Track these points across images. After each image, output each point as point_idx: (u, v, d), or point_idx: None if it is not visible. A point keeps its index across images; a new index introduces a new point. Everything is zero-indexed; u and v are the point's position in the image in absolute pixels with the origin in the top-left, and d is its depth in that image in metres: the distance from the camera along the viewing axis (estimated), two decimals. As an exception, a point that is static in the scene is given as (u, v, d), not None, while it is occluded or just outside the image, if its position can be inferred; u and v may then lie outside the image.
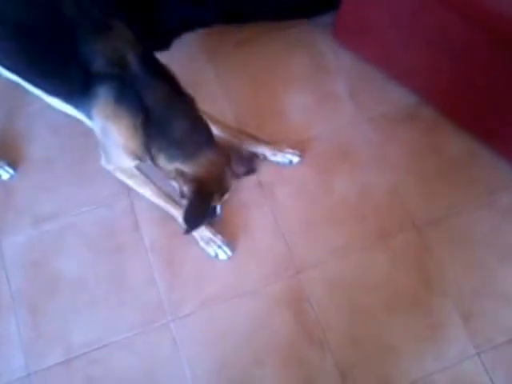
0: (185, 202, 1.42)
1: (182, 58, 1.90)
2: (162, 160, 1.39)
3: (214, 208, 1.55)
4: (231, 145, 1.49)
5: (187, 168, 1.39)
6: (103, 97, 1.31)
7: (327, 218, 1.70)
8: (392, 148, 1.79)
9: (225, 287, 1.62)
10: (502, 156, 1.77)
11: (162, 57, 1.85)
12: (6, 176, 1.72)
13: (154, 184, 1.61)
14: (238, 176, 1.52)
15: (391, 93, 1.86)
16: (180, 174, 1.39)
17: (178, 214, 1.61)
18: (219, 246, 1.62)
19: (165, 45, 1.90)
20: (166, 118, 1.34)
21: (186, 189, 1.40)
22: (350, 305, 1.61)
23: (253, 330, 1.58)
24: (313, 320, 1.59)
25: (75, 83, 1.34)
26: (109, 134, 1.39)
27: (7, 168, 1.72)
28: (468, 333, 1.58)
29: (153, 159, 1.41)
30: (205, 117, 1.46)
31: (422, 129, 1.82)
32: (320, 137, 1.81)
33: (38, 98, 1.76)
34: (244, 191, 1.71)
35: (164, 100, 1.34)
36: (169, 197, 1.61)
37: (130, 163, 1.49)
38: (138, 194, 1.68)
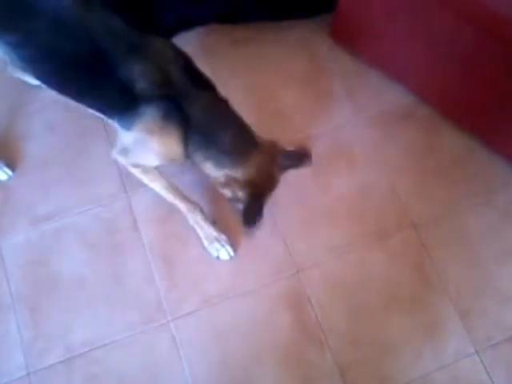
0: (240, 205, 1.44)
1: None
2: (209, 167, 1.42)
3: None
4: (274, 141, 1.50)
5: (238, 173, 1.41)
6: (150, 115, 1.34)
7: (326, 218, 1.71)
8: (390, 147, 1.80)
9: (224, 287, 1.62)
10: (500, 154, 1.77)
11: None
12: (4, 177, 1.72)
13: (166, 179, 1.59)
14: (285, 169, 1.52)
15: (389, 92, 1.86)
16: (233, 181, 1.41)
17: (185, 209, 1.60)
18: (223, 246, 1.63)
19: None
20: (210, 126, 1.38)
21: (241, 194, 1.42)
22: (349, 304, 1.61)
23: (252, 330, 1.58)
24: (312, 319, 1.59)
25: (115, 103, 1.38)
26: (148, 144, 1.41)
27: (5, 169, 1.72)
28: (467, 331, 1.58)
29: (197, 165, 1.44)
30: None
31: (419, 128, 1.83)
32: (318, 136, 1.81)
33: (35, 97, 1.76)
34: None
35: (207, 109, 1.37)
36: (179, 192, 1.60)
37: (155, 164, 1.50)
38: (136, 193, 1.69)
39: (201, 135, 1.37)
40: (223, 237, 1.63)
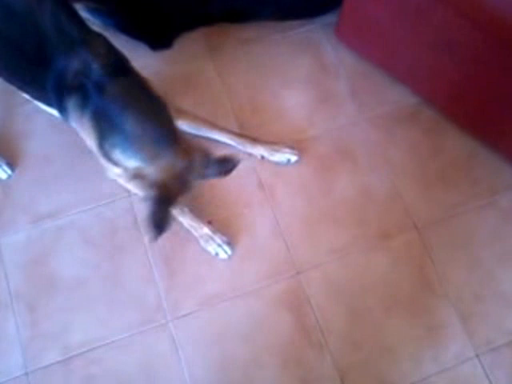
0: (145, 205, 1.33)
1: (183, 57, 1.89)
2: (117, 156, 1.34)
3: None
4: (201, 145, 1.40)
5: (148, 170, 1.31)
6: (71, 107, 1.34)
7: (327, 219, 1.70)
8: (393, 148, 1.78)
9: (224, 287, 1.61)
10: (503, 157, 1.76)
11: (163, 56, 1.88)
12: (3, 175, 1.71)
13: None
14: (205, 177, 1.41)
15: (393, 93, 1.85)
16: (140, 177, 1.33)
17: (176, 214, 1.59)
18: (219, 245, 1.62)
19: (165, 44, 1.89)
20: (121, 112, 1.30)
21: (146, 194, 1.33)
22: (349, 306, 1.60)
23: (252, 331, 1.57)
24: (312, 321, 1.58)
25: (53, 95, 1.37)
26: (82, 138, 1.40)
27: (5, 167, 1.71)
28: (467, 335, 1.58)
29: (108, 157, 1.36)
30: (198, 121, 1.43)
31: (423, 129, 1.81)
32: (321, 136, 1.80)
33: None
34: (244, 191, 1.70)
35: (122, 96, 1.31)
36: None
37: (114, 170, 1.44)
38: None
39: (108, 122, 1.31)
40: (218, 235, 1.62)
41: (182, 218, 1.61)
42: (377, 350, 1.56)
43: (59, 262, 1.63)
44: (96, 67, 1.30)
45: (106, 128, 1.33)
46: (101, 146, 1.35)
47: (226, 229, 1.65)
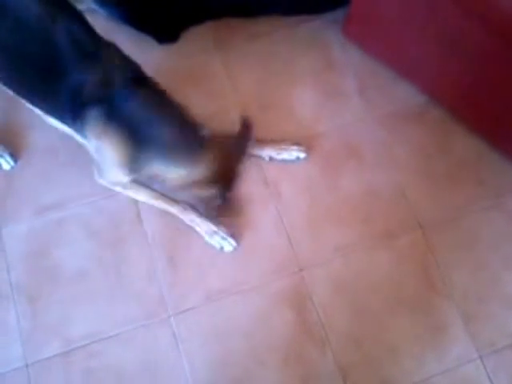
0: (209, 203, 1.44)
1: (189, 50, 1.87)
2: (158, 168, 1.38)
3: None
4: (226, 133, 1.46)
5: (194, 174, 1.37)
6: (93, 119, 1.32)
7: (332, 216, 1.68)
8: (400, 147, 1.77)
9: (227, 283, 1.60)
10: (511, 158, 1.75)
11: (170, 50, 1.86)
12: (6, 166, 1.70)
13: (151, 188, 1.59)
14: (243, 153, 1.48)
15: (400, 91, 1.83)
16: (191, 183, 1.38)
17: (176, 211, 1.61)
18: (223, 238, 1.61)
19: (172, 37, 1.87)
20: (155, 123, 1.33)
21: (204, 194, 1.41)
22: (352, 304, 1.59)
23: (254, 327, 1.56)
24: (315, 318, 1.57)
25: (67, 107, 1.35)
26: (103, 152, 1.40)
27: (8, 158, 1.70)
28: (470, 336, 1.57)
29: (144, 168, 1.40)
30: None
31: (430, 128, 1.80)
32: (327, 133, 1.78)
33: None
34: (249, 188, 1.69)
35: (151, 107, 1.34)
36: (166, 197, 1.60)
37: (124, 178, 1.48)
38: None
39: (140, 135, 1.33)
40: (222, 228, 1.62)
41: (183, 215, 1.61)
42: (379, 349, 1.55)
43: (61, 254, 1.62)
44: (118, 79, 1.30)
45: (139, 140, 1.33)
46: (133, 158, 1.36)
47: (229, 224, 1.63)
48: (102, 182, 1.54)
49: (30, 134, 1.75)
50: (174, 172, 1.38)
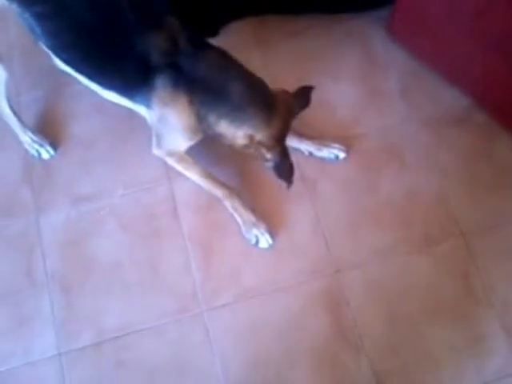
0: (270, 163, 1.45)
1: (230, 45, 1.81)
2: (224, 127, 1.40)
3: None
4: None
5: (262, 134, 1.40)
6: (161, 86, 1.37)
7: (370, 218, 1.65)
8: (442, 151, 1.73)
9: (261, 281, 1.58)
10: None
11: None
12: (46, 155, 1.72)
13: (202, 167, 1.58)
14: (297, 114, 1.54)
15: (444, 94, 1.79)
16: (257, 143, 1.40)
17: (222, 195, 1.59)
18: (262, 233, 1.59)
19: (212, 31, 1.86)
20: (218, 82, 1.37)
21: (269, 155, 1.42)
22: (389, 309, 1.55)
23: (287, 328, 1.54)
24: (350, 322, 1.54)
25: (133, 77, 1.40)
26: (168, 119, 1.43)
27: (48, 148, 1.72)
28: (511, 348, 1.51)
29: (212, 128, 1.42)
30: None
31: (474, 133, 1.75)
32: (367, 134, 1.75)
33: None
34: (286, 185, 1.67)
35: (216, 67, 1.38)
36: (215, 179, 1.59)
37: (184, 145, 1.50)
38: (178, 180, 1.66)
39: (210, 94, 1.37)
40: (262, 224, 1.60)
41: (227, 200, 1.59)
42: (416, 357, 1.50)
43: (96, 245, 1.62)
44: (183, 43, 1.35)
45: (209, 100, 1.37)
46: (203, 118, 1.40)
47: (265, 221, 1.61)
48: (158, 152, 1.54)
49: (70, 125, 1.77)
50: (242, 130, 1.39)
